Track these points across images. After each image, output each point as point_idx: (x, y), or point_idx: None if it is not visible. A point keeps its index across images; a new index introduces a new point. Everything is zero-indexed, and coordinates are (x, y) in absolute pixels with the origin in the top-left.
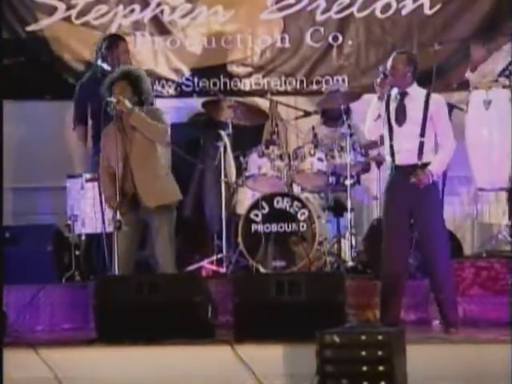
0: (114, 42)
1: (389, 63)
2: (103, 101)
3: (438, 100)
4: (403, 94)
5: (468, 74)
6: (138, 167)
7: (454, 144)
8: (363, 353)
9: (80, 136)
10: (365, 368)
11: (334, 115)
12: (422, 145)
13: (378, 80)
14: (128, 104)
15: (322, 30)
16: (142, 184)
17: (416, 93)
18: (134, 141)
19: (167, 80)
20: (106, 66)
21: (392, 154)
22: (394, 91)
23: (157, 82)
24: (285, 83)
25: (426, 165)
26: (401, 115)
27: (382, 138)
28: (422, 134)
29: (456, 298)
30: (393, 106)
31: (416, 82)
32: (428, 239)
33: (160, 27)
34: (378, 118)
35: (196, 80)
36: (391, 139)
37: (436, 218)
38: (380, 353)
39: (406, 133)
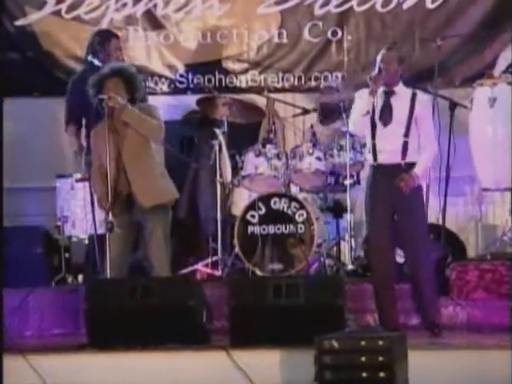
0: (106, 38)
1: (379, 58)
2: (91, 99)
3: (424, 100)
4: (390, 93)
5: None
6: (132, 166)
7: (437, 146)
8: (363, 359)
9: (73, 135)
10: (365, 374)
11: (330, 113)
12: (405, 145)
13: (373, 75)
14: (121, 100)
15: (320, 24)
16: (137, 183)
17: (402, 92)
18: (126, 139)
19: (160, 76)
20: (96, 62)
21: (374, 153)
22: (380, 89)
23: (150, 79)
24: (282, 80)
25: (409, 165)
26: (387, 114)
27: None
28: (407, 134)
29: (437, 300)
30: (379, 103)
31: (403, 80)
32: (411, 240)
33: (153, 22)
34: (366, 114)
35: (190, 76)
36: (373, 137)
37: (419, 220)
38: (381, 359)
39: (390, 132)
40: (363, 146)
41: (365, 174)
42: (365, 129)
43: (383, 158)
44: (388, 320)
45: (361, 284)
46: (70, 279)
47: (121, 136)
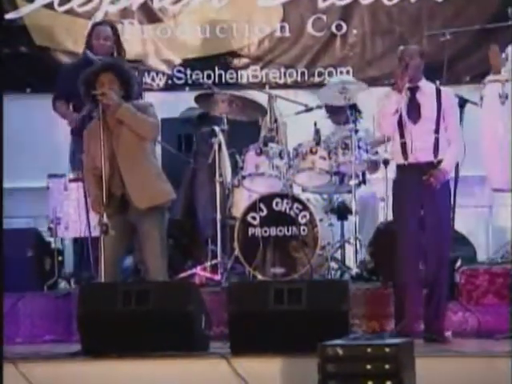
0: (102, 30)
1: (400, 54)
2: (82, 96)
3: (449, 94)
4: (414, 89)
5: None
6: (127, 166)
7: (462, 141)
8: (369, 367)
9: (64, 113)
10: (371, 383)
11: (341, 109)
12: (437, 141)
13: (399, 71)
14: (115, 97)
15: (324, 17)
16: (132, 184)
17: (426, 87)
18: (121, 138)
19: (157, 72)
20: (91, 55)
21: (404, 152)
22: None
23: (146, 74)
24: (284, 75)
25: (441, 162)
26: (414, 111)
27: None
28: (437, 131)
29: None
30: (404, 101)
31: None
32: (436, 242)
33: (149, 15)
34: (395, 112)
35: (188, 72)
36: (402, 136)
37: (446, 220)
38: (387, 367)
39: (420, 130)
40: (369, 144)
41: (374, 174)
42: (393, 129)
43: (415, 157)
44: (403, 326)
45: (366, 288)
46: (62, 284)
47: (115, 135)
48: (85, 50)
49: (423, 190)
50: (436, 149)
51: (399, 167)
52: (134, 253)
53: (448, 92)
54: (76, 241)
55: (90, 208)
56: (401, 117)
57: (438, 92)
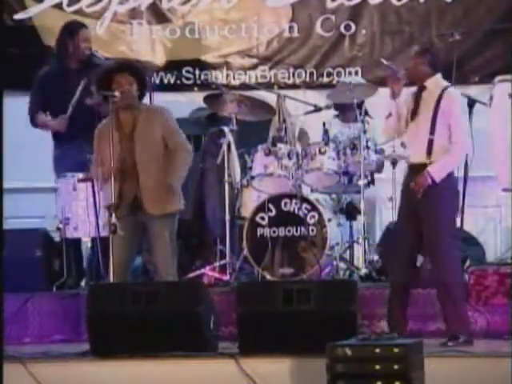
0: (74, 29)
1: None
2: (95, 95)
3: (452, 94)
4: (421, 89)
5: None
6: (145, 171)
7: (467, 144)
8: (377, 367)
9: (45, 123)
10: (379, 383)
11: (350, 109)
12: (430, 143)
13: (390, 76)
14: (135, 96)
15: (333, 18)
16: (147, 191)
17: (434, 86)
18: (140, 140)
19: (166, 72)
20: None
21: (406, 151)
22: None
23: (155, 74)
24: (293, 75)
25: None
26: (413, 110)
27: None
28: (432, 132)
29: (465, 308)
30: (411, 100)
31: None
32: (432, 243)
33: (158, 15)
34: (389, 115)
35: (197, 72)
36: (406, 136)
37: (442, 223)
38: (396, 367)
39: (416, 129)
40: (378, 145)
41: (383, 174)
42: (391, 131)
43: (412, 157)
44: (395, 326)
45: (375, 288)
46: (71, 284)
47: (128, 134)
48: (86, 52)
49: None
50: (429, 150)
51: (407, 166)
52: (143, 253)
53: (452, 93)
54: (85, 241)
55: (103, 207)
56: (407, 117)
57: (442, 92)
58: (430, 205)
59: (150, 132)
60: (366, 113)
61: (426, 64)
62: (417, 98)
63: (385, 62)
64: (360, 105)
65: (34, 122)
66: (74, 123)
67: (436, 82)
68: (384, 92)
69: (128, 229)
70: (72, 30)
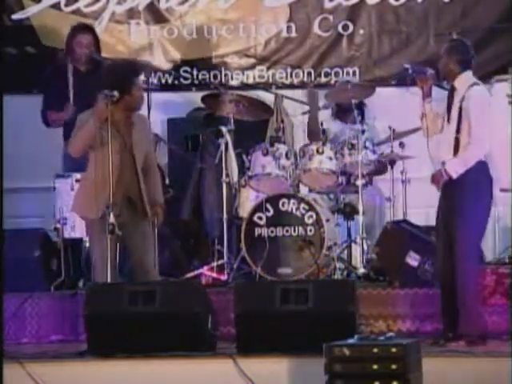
0: (84, 38)
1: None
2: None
3: (473, 92)
4: (452, 89)
5: None
6: (145, 175)
7: (484, 142)
8: (375, 367)
9: (55, 119)
10: (377, 383)
11: (348, 108)
12: (457, 142)
13: (419, 77)
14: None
15: (331, 18)
16: (149, 193)
17: (461, 85)
18: (136, 143)
19: (164, 72)
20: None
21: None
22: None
23: (153, 74)
24: (291, 75)
25: None
26: (447, 110)
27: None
28: (458, 130)
29: (478, 309)
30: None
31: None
32: (452, 243)
33: (156, 15)
34: (422, 116)
35: (195, 72)
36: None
37: (461, 220)
38: (394, 367)
39: (448, 129)
40: (376, 144)
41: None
42: (427, 132)
43: (443, 156)
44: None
45: (373, 288)
46: (69, 284)
47: (126, 135)
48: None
49: (443, 192)
50: (456, 149)
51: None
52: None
53: (473, 91)
54: (84, 241)
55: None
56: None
57: (467, 90)
58: (449, 201)
59: (144, 135)
60: (363, 115)
61: (455, 62)
62: (449, 98)
63: (407, 65)
64: (358, 105)
65: (47, 122)
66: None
67: (463, 81)
68: (381, 92)
69: (125, 228)
70: (78, 31)
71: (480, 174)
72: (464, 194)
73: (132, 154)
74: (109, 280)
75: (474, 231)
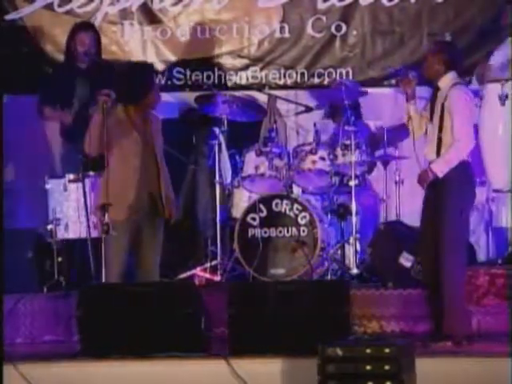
0: (86, 37)
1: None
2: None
3: (455, 91)
4: (436, 89)
5: None
6: (162, 173)
7: (469, 140)
8: (369, 367)
9: (52, 116)
10: None
11: (341, 109)
12: (439, 141)
13: (400, 78)
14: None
15: (324, 18)
16: (165, 193)
17: (445, 85)
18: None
19: (157, 72)
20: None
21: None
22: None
23: None
24: (284, 76)
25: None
26: (430, 111)
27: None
28: (440, 129)
29: (465, 309)
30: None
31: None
32: (438, 243)
33: (149, 16)
34: (408, 119)
35: (188, 73)
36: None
37: (447, 218)
38: (387, 367)
39: (432, 129)
40: (369, 145)
41: (374, 175)
42: (415, 133)
43: (428, 155)
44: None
45: (366, 289)
46: (62, 284)
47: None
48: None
49: (428, 191)
50: (438, 148)
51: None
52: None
53: (456, 90)
54: (77, 242)
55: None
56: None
57: (449, 90)
58: (436, 200)
59: (160, 133)
60: (359, 115)
61: (441, 62)
62: (432, 98)
63: (391, 68)
64: (352, 105)
65: (42, 115)
66: (82, 121)
67: (447, 81)
68: (375, 92)
69: (125, 229)
70: (80, 29)
71: (463, 174)
72: (449, 193)
73: (154, 153)
74: (116, 279)
75: (460, 229)
